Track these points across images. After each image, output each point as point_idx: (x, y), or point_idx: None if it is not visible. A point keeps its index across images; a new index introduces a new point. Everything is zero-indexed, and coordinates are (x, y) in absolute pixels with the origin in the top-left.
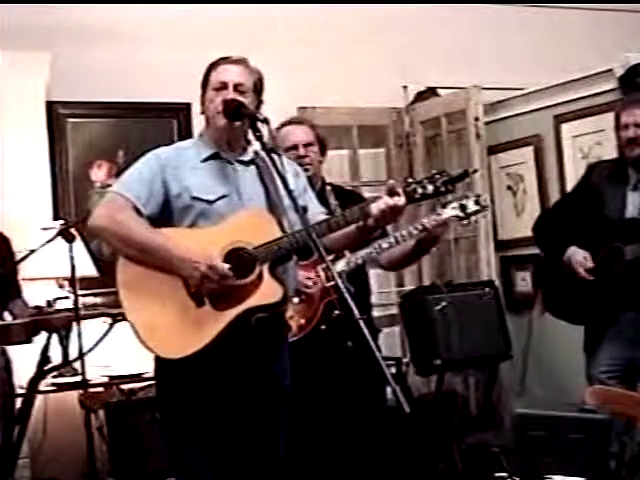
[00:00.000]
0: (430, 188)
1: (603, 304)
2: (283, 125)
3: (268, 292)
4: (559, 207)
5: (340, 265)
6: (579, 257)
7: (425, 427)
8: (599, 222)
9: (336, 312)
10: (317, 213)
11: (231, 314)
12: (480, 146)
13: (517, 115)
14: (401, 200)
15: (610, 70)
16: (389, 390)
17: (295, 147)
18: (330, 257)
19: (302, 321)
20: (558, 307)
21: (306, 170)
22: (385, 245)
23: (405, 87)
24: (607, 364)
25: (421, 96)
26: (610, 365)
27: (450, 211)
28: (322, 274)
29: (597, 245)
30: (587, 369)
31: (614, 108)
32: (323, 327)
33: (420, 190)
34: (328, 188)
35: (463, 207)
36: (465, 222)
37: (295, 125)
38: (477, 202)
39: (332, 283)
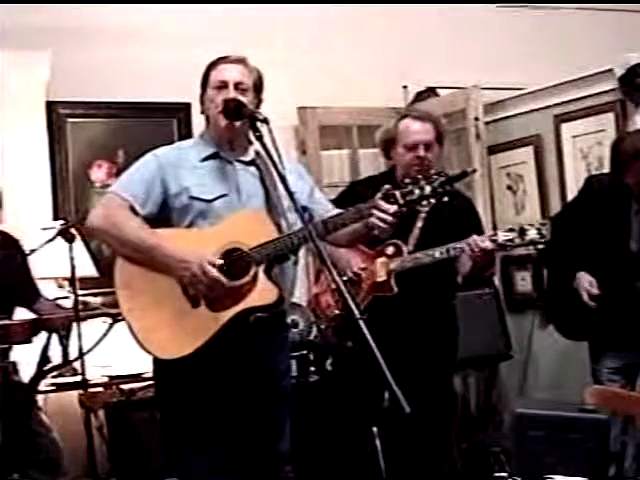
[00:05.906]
0: (428, 189)
1: (608, 326)
2: (403, 117)
3: (263, 294)
4: (573, 231)
5: (393, 264)
6: (585, 283)
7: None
8: (619, 254)
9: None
10: (326, 213)
11: (226, 315)
12: (480, 146)
13: (517, 115)
14: (392, 208)
15: (610, 70)
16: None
17: (415, 147)
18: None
19: None
20: (564, 325)
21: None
22: (437, 255)
23: (405, 87)
24: (612, 362)
25: (421, 96)
26: (615, 363)
27: (506, 234)
28: (378, 269)
29: (610, 275)
30: (592, 365)
31: (614, 108)
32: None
33: (417, 191)
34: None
35: (522, 231)
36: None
37: (419, 122)
38: (539, 232)
39: (383, 279)
